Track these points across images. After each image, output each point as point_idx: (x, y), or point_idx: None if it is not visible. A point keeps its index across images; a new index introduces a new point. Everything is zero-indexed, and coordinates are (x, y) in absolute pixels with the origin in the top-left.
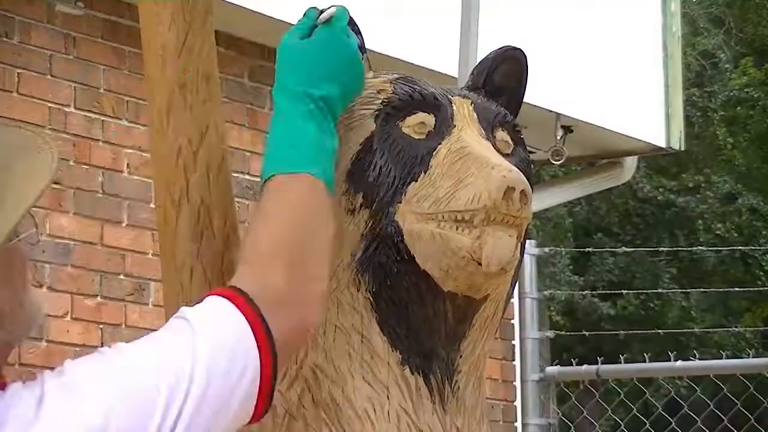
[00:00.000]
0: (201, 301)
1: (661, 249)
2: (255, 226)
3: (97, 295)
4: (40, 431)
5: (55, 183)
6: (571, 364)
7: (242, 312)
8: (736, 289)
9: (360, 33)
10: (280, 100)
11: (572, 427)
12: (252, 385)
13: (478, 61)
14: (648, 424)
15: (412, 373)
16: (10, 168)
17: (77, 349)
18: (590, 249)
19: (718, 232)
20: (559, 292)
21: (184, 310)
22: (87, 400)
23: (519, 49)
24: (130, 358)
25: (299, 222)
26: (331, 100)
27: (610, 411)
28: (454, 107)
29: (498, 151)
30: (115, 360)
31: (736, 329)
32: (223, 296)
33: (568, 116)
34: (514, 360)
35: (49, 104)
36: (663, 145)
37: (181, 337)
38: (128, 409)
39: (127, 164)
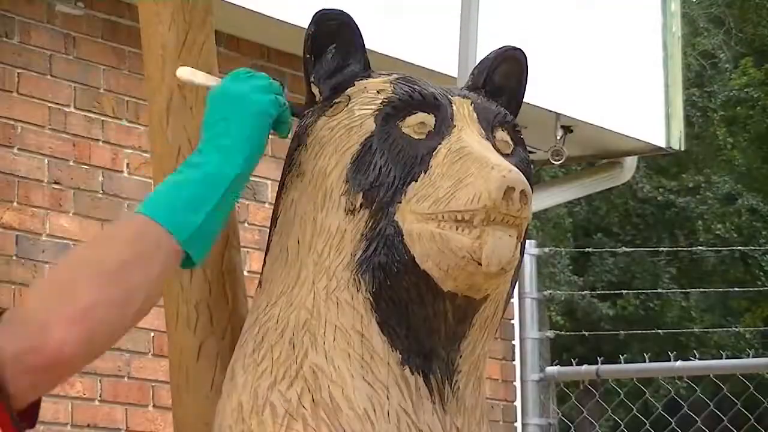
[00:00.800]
0: None
1: (661, 249)
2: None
3: None
4: None
5: (55, 183)
6: (571, 364)
7: None
8: (736, 289)
9: (360, 34)
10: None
11: (572, 427)
12: None
13: (477, 61)
14: (648, 424)
15: (412, 373)
16: None
17: None
18: (590, 249)
19: (718, 232)
20: (558, 292)
21: None
22: None
23: (519, 49)
24: None
25: (96, 246)
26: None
27: (610, 411)
28: (454, 107)
29: (498, 151)
30: None
31: (736, 329)
32: None
33: (568, 116)
34: (514, 360)
35: (49, 104)
36: (663, 145)
37: None
38: None
39: (127, 164)
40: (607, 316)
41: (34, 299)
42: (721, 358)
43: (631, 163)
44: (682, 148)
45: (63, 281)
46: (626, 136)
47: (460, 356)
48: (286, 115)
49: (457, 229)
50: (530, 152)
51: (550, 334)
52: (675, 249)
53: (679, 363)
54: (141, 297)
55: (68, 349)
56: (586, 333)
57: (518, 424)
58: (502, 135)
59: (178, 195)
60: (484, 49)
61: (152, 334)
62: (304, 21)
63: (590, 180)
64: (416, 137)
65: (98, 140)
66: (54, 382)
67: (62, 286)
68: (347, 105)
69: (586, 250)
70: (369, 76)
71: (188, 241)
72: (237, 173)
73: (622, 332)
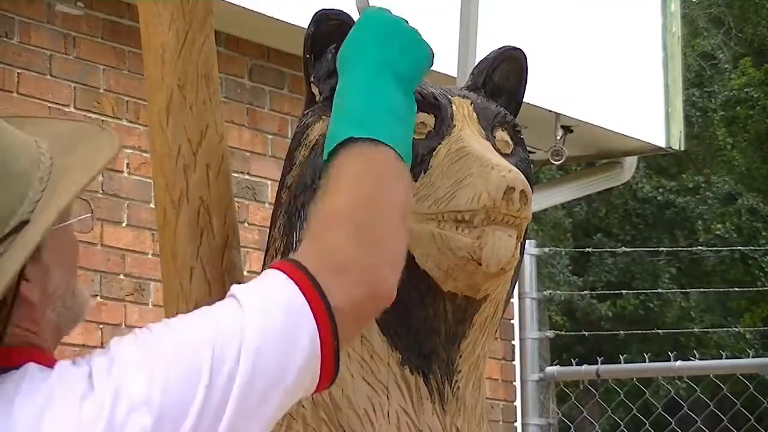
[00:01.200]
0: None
1: (661, 249)
2: (322, 193)
3: (96, 295)
4: (89, 406)
5: None
6: (571, 364)
7: (294, 280)
8: (736, 289)
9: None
10: (359, 70)
11: (572, 427)
12: (311, 349)
13: (477, 61)
14: (648, 424)
15: (412, 374)
16: (74, 151)
17: (77, 349)
18: (590, 249)
19: (717, 232)
20: (558, 292)
21: (234, 288)
22: (131, 376)
23: (519, 49)
24: (175, 333)
25: (368, 188)
26: (409, 75)
27: (609, 411)
28: (454, 107)
29: (498, 151)
30: (161, 335)
31: (736, 329)
32: (278, 269)
33: (568, 116)
34: (514, 360)
35: (49, 104)
36: (663, 145)
37: (229, 312)
38: (173, 381)
39: (127, 164)
40: (607, 316)
41: (344, 245)
42: (720, 358)
43: (630, 163)
44: (682, 148)
45: (374, 227)
46: (626, 136)
47: (460, 356)
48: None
49: (457, 229)
50: (530, 152)
51: (550, 334)
52: (675, 249)
53: (678, 363)
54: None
55: (392, 294)
56: (586, 333)
57: (518, 424)
58: (502, 135)
59: (399, 124)
60: (484, 49)
61: None
62: (304, 21)
63: (590, 180)
64: (416, 137)
65: None
66: (371, 321)
67: (376, 233)
68: None
69: (586, 250)
70: None
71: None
72: (411, 101)
73: (621, 332)
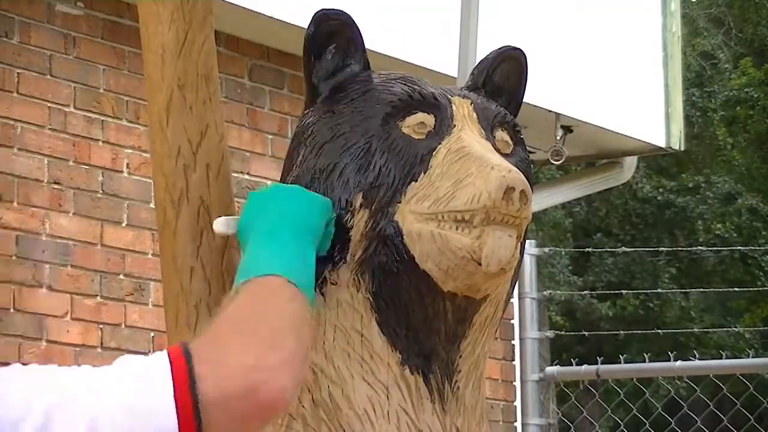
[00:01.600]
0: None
1: (661, 249)
2: (223, 307)
3: (96, 295)
4: None
5: (55, 183)
6: (571, 364)
7: (171, 360)
8: (736, 289)
9: (360, 34)
10: (257, 235)
11: (572, 427)
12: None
13: (477, 61)
14: (648, 424)
15: (412, 374)
16: None
17: (77, 349)
18: (590, 249)
19: (717, 232)
20: (558, 292)
21: (122, 359)
22: None
23: (519, 48)
24: (26, 382)
25: (264, 300)
26: (306, 226)
27: (609, 411)
28: (454, 107)
29: (498, 151)
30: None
31: (736, 329)
32: (169, 356)
33: (568, 116)
34: (513, 360)
35: (49, 104)
36: (663, 145)
37: (95, 379)
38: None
39: (127, 164)
40: (607, 316)
41: (231, 341)
42: (720, 358)
43: (630, 163)
44: (682, 148)
45: (260, 329)
46: (626, 136)
47: (460, 356)
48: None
49: (457, 229)
50: (530, 152)
51: (550, 334)
52: (675, 249)
53: (678, 363)
54: (306, 353)
55: (286, 396)
56: (586, 333)
57: (518, 424)
58: (501, 135)
59: (301, 261)
60: (484, 49)
61: (152, 334)
62: (304, 21)
63: (590, 180)
64: (416, 137)
65: (98, 140)
66: (256, 429)
67: (262, 334)
68: (347, 105)
69: (586, 250)
70: (369, 76)
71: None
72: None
73: (621, 332)
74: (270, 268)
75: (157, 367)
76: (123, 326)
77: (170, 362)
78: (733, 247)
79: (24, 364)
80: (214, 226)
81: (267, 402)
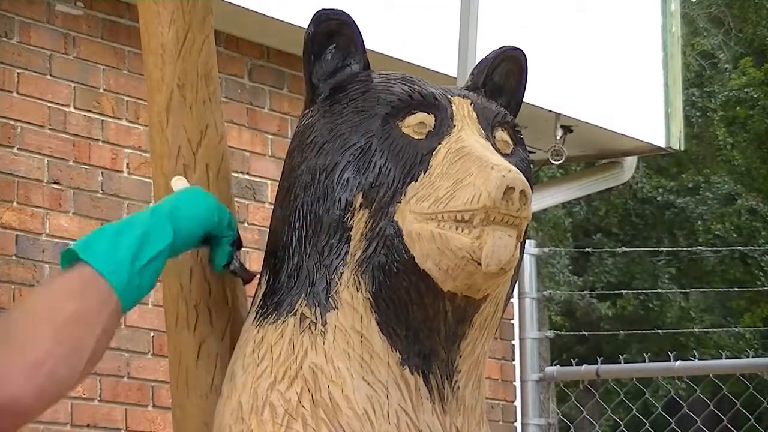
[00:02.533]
0: None
1: (661, 249)
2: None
3: None
4: None
5: (55, 183)
6: (571, 364)
7: None
8: (736, 289)
9: (360, 34)
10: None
11: (572, 427)
12: None
13: (477, 61)
14: (647, 424)
15: (412, 373)
16: None
17: None
18: (589, 249)
19: (717, 232)
20: (558, 292)
21: None
22: None
23: (519, 48)
24: None
25: (41, 295)
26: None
27: (609, 411)
28: (454, 107)
29: (498, 151)
30: None
31: (736, 329)
32: None
33: (568, 116)
34: (513, 360)
35: (49, 104)
36: (663, 145)
37: None
38: None
39: (127, 164)
40: (607, 316)
41: None
42: (720, 358)
43: (630, 163)
44: (682, 148)
45: (12, 332)
46: (626, 136)
47: (460, 356)
48: (226, 242)
49: (456, 229)
50: (530, 152)
51: (550, 334)
52: (675, 249)
53: (678, 363)
54: (88, 351)
55: (24, 403)
56: (586, 333)
57: (518, 424)
58: (501, 135)
59: (119, 244)
60: (484, 49)
61: (152, 334)
62: (304, 21)
63: (590, 180)
64: (416, 137)
65: (98, 140)
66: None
67: (12, 338)
68: (347, 105)
69: (586, 250)
70: (369, 76)
71: (124, 292)
72: (170, 242)
73: (621, 332)
74: (93, 255)
75: None
76: (123, 326)
77: None
78: (733, 247)
79: None
80: (172, 183)
81: (3, 408)
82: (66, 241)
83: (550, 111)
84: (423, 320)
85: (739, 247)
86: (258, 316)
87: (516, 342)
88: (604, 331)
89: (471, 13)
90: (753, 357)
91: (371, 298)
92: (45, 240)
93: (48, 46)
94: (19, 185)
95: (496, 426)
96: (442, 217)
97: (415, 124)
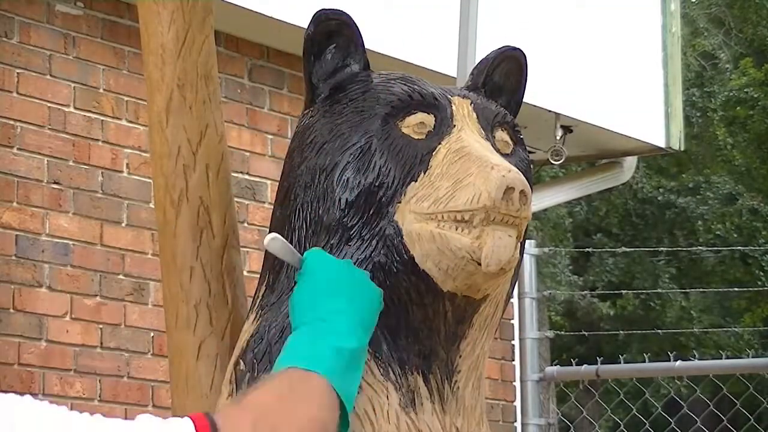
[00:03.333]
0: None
1: (661, 249)
2: (257, 386)
3: (96, 295)
4: None
5: (55, 183)
6: (571, 364)
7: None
8: (736, 289)
9: (360, 34)
10: (310, 321)
11: (572, 427)
12: None
13: (477, 61)
14: (648, 424)
15: (412, 374)
16: None
17: (77, 349)
18: (590, 249)
19: (717, 232)
20: (558, 292)
21: (141, 417)
22: None
23: (518, 48)
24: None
25: (296, 399)
26: (360, 320)
27: (609, 411)
28: (454, 107)
29: (498, 151)
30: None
31: (736, 329)
32: (190, 417)
33: (568, 116)
34: (513, 360)
35: (49, 104)
36: (663, 145)
37: None
38: None
39: (127, 164)
40: (607, 316)
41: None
42: (720, 358)
43: (631, 163)
44: (682, 148)
45: (284, 428)
46: (626, 136)
47: (460, 356)
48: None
49: (456, 229)
50: (530, 152)
51: (550, 334)
52: (675, 249)
53: (678, 363)
54: None
55: None
56: (586, 333)
57: (518, 424)
58: (501, 135)
59: (344, 364)
60: (484, 49)
61: (152, 334)
62: (304, 21)
63: (590, 180)
64: (416, 137)
65: (98, 140)
66: None
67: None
68: (347, 105)
69: (586, 250)
70: (369, 76)
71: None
72: (363, 345)
73: (621, 332)
74: (318, 364)
75: (181, 424)
76: (123, 326)
77: (193, 424)
78: (733, 247)
79: (24, 365)
80: (265, 241)
81: None
82: (65, 242)
83: (550, 111)
84: (423, 320)
85: (739, 247)
86: (258, 316)
87: (516, 342)
88: (604, 331)
89: (471, 13)
90: (753, 357)
91: None
92: (45, 240)
93: (48, 46)
94: (19, 185)
95: (496, 426)
96: (442, 217)
97: (415, 124)
